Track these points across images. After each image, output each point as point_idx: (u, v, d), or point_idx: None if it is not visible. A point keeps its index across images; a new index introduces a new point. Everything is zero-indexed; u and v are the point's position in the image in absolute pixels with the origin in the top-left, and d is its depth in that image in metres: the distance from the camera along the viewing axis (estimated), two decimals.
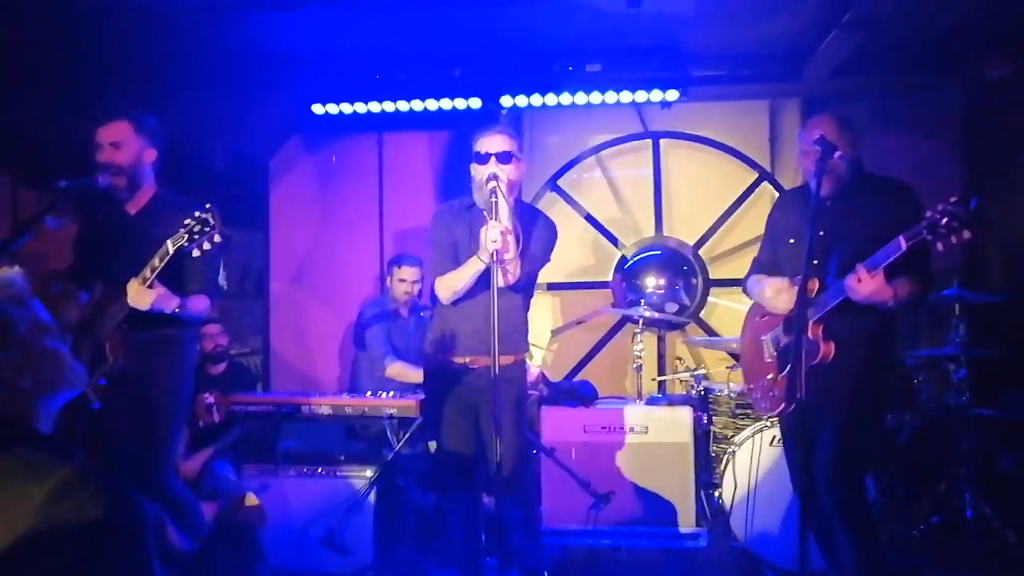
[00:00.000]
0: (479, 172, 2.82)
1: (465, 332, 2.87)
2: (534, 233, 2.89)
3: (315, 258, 5.20)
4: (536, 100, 4.45)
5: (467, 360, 2.87)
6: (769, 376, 2.77)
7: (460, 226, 2.93)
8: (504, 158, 2.79)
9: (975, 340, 3.73)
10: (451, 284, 2.86)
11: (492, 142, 2.81)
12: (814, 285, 2.62)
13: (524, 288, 2.93)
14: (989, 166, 4.50)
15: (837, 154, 2.56)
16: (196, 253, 2.67)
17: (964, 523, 3.56)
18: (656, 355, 4.85)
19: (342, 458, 3.49)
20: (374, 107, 4.57)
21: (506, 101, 4.47)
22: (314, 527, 3.29)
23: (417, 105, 4.54)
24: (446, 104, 4.52)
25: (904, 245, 2.39)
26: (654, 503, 3.69)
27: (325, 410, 3.45)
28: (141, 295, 2.66)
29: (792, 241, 2.77)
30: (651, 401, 3.94)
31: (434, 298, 2.99)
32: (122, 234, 2.85)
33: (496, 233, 2.61)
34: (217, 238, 2.65)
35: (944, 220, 2.32)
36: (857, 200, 2.66)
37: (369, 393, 3.60)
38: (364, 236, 5.12)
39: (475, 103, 4.51)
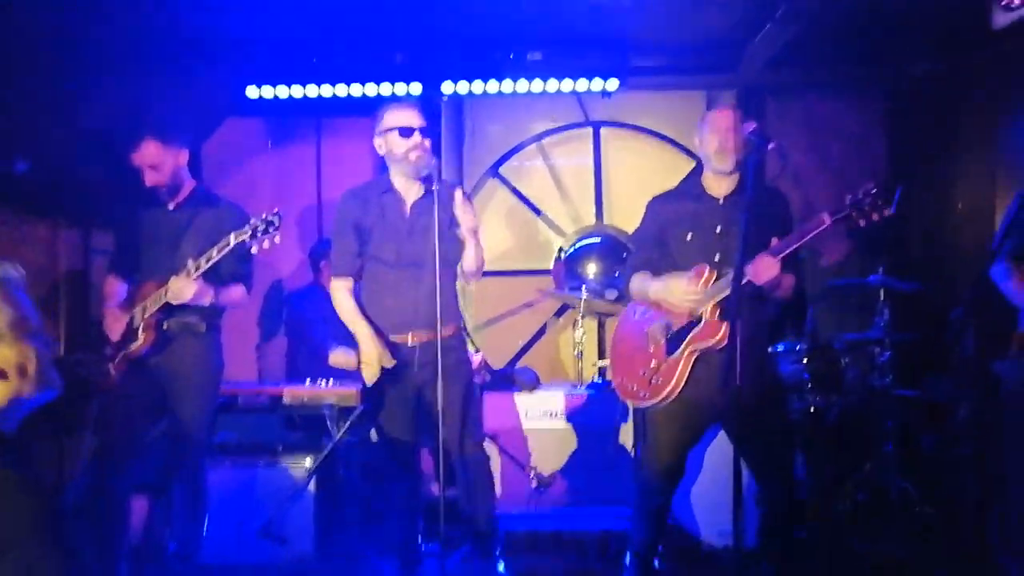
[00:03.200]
0: (401, 145, 2.82)
1: (398, 308, 2.86)
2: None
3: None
4: (477, 87, 4.43)
5: (405, 338, 2.86)
6: (652, 363, 2.82)
7: (372, 211, 2.91)
8: (425, 132, 2.85)
9: (899, 324, 3.89)
10: (339, 304, 2.95)
11: (410, 116, 2.87)
12: (712, 275, 2.74)
13: (453, 262, 2.94)
14: (915, 159, 4.69)
15: (771, 146, 2.63)
16: (254, 250, 2.85)
17: (888, 500, 3.73)
18: (597, 341, 4.91)
19: (280, 448, 3.42)
20: (312, 91, 4.47)
21: (447, 87, 4.43)
22: (252, 518, 3.23)
23: (356, 90, 4.46)
24: (386, 89, 4.45)
25: (828, 221, 2.54)
26: (595, 486, 3.74)
27: (262, 400, 3.39)
28: (185, 287, 2.84)
29: (689, 237, 2.83)
30: (592, 386, 3.99)
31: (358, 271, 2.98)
32: (160, 228, 3.04)
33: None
34: (277, 239, 2.84)
35: (868, 200, 2.47)
36: (742, 199, 2.74)
37: (308, 381, 3.54)
38: (302, 222, 5.02)
39: (416, 89, 4.45)
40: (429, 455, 3.37)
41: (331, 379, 3.54)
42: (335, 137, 5.04)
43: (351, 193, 3.00)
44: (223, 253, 2.85)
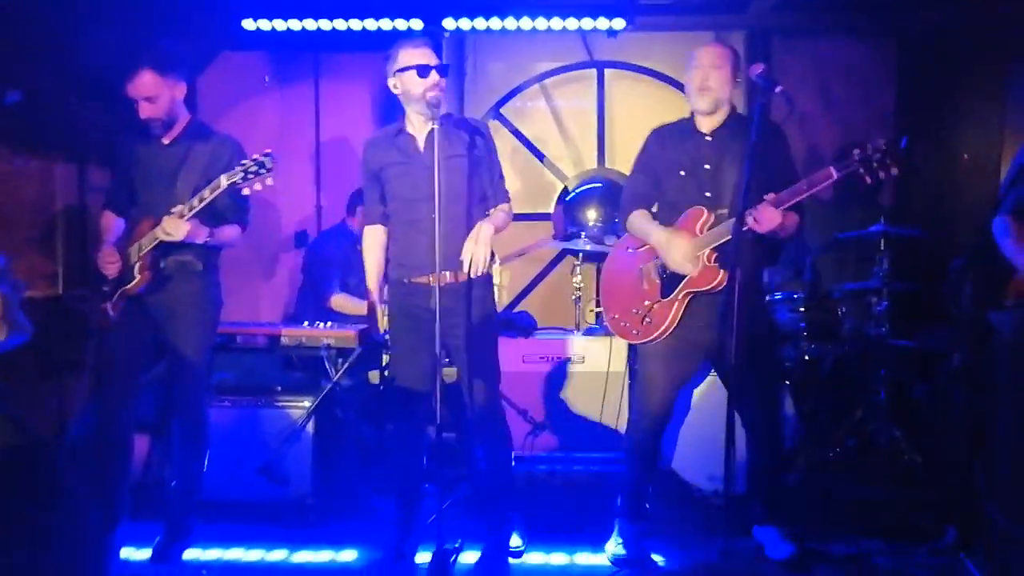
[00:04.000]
0: (418, 85, 2.77)
1: (419, 249, 2.82)
2: (481, 143, 2.91)
3: None
4: (480, 24, 4.32)
5: (426, 279, 2.81)
6: (646, 303, 2.84)
7: (389, 156, 2.90)
8: (441, 70, 2.78)
9: (897, 274, 3.89)
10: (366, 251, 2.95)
11: (426, 54, 2.81)
12: (710, 217, 2.73)
13: (482, 200, 2.91)
14: (921, 108, 4.61)
15: (778, 89, 2.58)
16: (246, 192, 2.81)
17: (877, 446, 3.79)
18: (595, 287, 4.91)
19: (279, 389, 3.46)
20: (309, 24, 4.36)
21: (449, 24, 4.32)
22: (251, 457, 3.28)
23: (356, 24, 4.34)
24: (386, 24, 4.34)
25: (835, 174, 2.51)
26: (589, 430, 3.80)
27: (261, 340, 3.40)
28: (178, 227, 2.81)
29: (683, 174, 2.83)
30: (589, 332, 4.01)
31: (385, 217, 2.97)
32: (155, 163, 2.98)
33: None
34: (270, 181, 2.78)
35: (877, 155, 2.43)
36: (739, 136, 2.73)
37: (306, 323, 3.55)
38: (299, 161, 4.95)
39: (417, 25, 4.34)
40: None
41: (330, 322, 3.56)
42: (334, 74, 4.93)
43: (369, 142, 2.98)
44: (215, 194, 2.80)
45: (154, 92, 2.89)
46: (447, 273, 2.79)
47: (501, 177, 2.99)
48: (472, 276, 2.79)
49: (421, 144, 2.88)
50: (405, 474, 3.01)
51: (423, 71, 2.76)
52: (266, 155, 2.78)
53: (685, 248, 2.74)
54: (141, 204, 2.99)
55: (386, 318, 2.95)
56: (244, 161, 2.79)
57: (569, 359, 3.86)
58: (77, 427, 3.40)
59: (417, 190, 2.83)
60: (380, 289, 2.99)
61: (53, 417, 3.41)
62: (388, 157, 2.91)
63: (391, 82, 2.88)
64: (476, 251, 2.76)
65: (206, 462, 3.06)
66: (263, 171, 2.77)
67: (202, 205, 2.82)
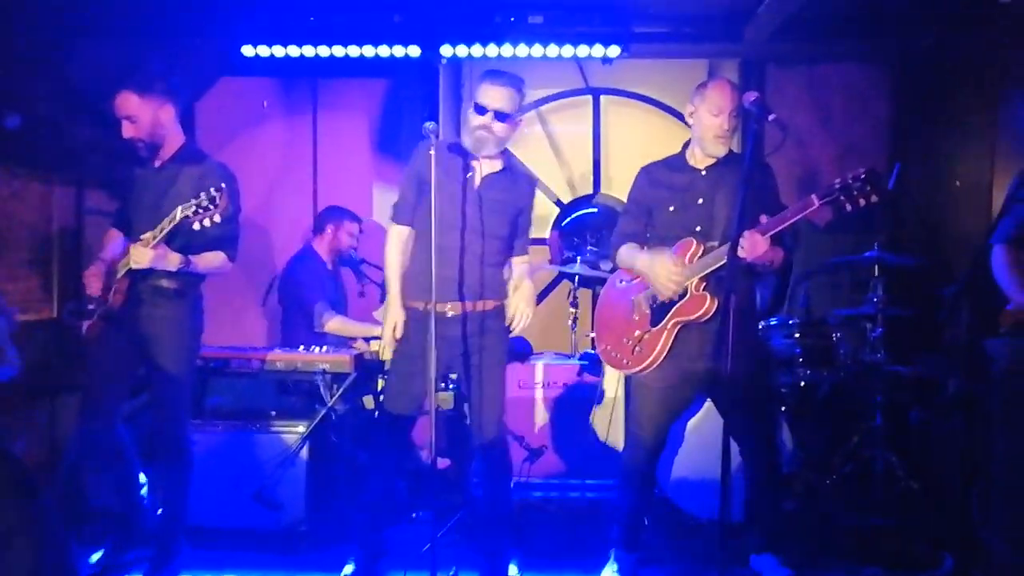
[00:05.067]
0: (474, 120, 2.80)
1: (445, 276, 2.76)
2: (528, 193, 2.97)
3: (244, 207, 5.00)
4: (477, 51, 4.36)
5: (444, 308, 2.77)
6: (636, 333, 2.84)
7: (436, 169, 2.83)
8: (502, 117, 2.78)
9: (892, 300, 3.91)
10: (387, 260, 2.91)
11: (495, 96, 2.80)
12: (699, 248, 2.75)
13: (506, 236, 2.91)
14: (916, 133, 4.66)
15: (771, 117, 2.61)
16: (196, 227, 2.76)
17: (873, 473, 3.78)
18: (591, 311, 4.91)
19: (273, 413, 3.44)
20: (308, 51, 4.40)
21: (446, 51, 4.36)
22: (244, 483, 3.25)
23: (353, 51, 4.39)
24: (384, 51, 4.39)
25: (817, 203, 2.54)
26: (585, 456, 3.78)
27: (256, 365, 3.39)
28: (140, 254, 2.80)
29: (672, 209, 2.85)
30: (585, 357, 4.00)
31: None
32: (146, 187, 2.98)
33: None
34: (217, 218, 2.75)
35: (857, 184, 2.47)
36: (734, 172, 2.74)
37: (302, 347, 3.54)
38: (297, 184, 4.97)
39: (414, 51, 4.38)
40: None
41: (324, 346, 3.55)
42: (331, 100, 4.96)
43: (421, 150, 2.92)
44: (172, 225, 2.78)
45: (135, 112, 2.88)
46: (460, 303, 2.80)
47: (528, 229, 3.03)
48: (515, 330, 2.88)
49: (477, 180, 2.87)
50: (371, 506, 2.96)
51: (480, 109, 2.79)
52: (219, 190, 2.74)
53: (669, 267, 2.74)
54: (134, 227, 2.99)
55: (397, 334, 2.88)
56: (199, 195, 2.76)
57: (565, 384, 3.85)
58: (72, 450, 3.38)
59: (448, 221, 2.79)
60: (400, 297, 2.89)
61: (46, 441, 3.39)
62: (435, 172, 2.79)
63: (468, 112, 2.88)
64: (526, 311, 2.85)
65: (189, 486, 3.01)
66: (211, 208, 2.74)
67: (162, 235, 2.80)
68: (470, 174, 2.85)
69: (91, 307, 2.98)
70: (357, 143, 4.92)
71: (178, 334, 2.97)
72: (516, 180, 2.94)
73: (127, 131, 2.91)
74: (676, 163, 2.92)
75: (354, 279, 4.40)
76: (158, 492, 3.13)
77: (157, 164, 2.99)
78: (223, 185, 2.75)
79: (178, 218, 2.77)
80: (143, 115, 2.89)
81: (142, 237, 2.83)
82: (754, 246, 2.59)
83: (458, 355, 2.82)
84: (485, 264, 2.82)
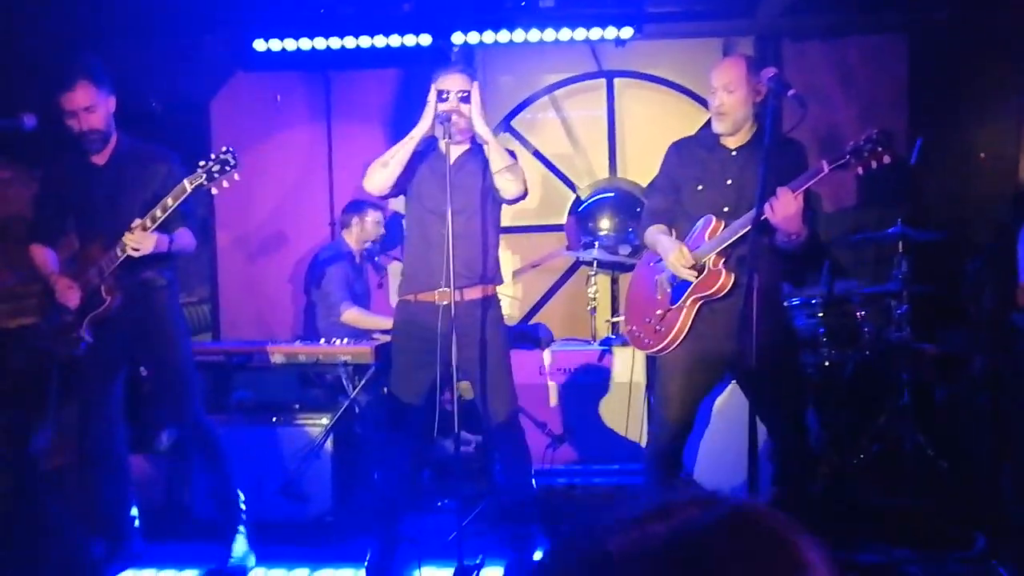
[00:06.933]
0: (440, 107, 2.80)
1: (433, 264, 2.79)
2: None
3: (262, 201, 5.05)
4: (488, 37, 4.33)
5: (432, 296, 2.80)
6: (658, 312, 2.81)
7: (421, 159, 2.92)
8: (466, 98, 2.80)
9: (916, 277, 3.84)
10: (383, 158, 2.85)
11: (451, 80, 2.83)
12: (719, 225, 2.69)
13: (485, 212, 2.90)
14: (935, 107, 4.57)
15: (790, 93, 2.55)
16: (215, 191, 2.73)
17: (902, 452, 3.73)
18: (610, 297, 4.89)
19: (297, 406, 3.46)
20: (319, 43, 4.39)
21: (457, 38, 4.33)
22: (270, 477, 3.28)
23: (365, 42, 4.37)
24: (395, 41, 4.37)
25: (826, 168, 2.48)
26: (608, 441, 3.77)
27: (278, 359, 3.40)
28: (144, 239, 2.73)
29: (700, 188, 2.79)
30: (605, 342, 3.99)
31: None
32: (92, 186, 2.89)
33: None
34: (236, 176, 2.71)
35: (868, 145, 2.42)
36: (757, 150, 2.67)
37: (323, 340, 3.56)
38: (313, 178, 4.98)
39: (425, 40, 4.36)
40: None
41: (345, 338, 3.56)
42: (345, 93, 4.96)
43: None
44: (180, 200, 2.71)
45: (92, 102, 2.80)
46: (450, 291, 2.76)
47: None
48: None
49: (445, 160, 2.86)
50: (385, 494, 2.98)
51: (441, 95, 2.82)
52: (227, 152, 2.70)
53: (673, 255, 2.69)
54: (82, 230, 2.90)
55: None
56: (204, 162, 2.71)
57: (586, 370, 3.84)
58: (43, 459, 3.34)
59: (430, 208, 2.85)
60: None
61: (61, 438, 3.38)
62: (420, 162, 2.91)
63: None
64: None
65: (228, 466, 3.01)
66: (228, 168, 2.69)
67: (167, 213, 2.73)
68: (440, 160, 2.86)
69: (69, 319, 2.85)
70: (371, 134, 4.91)
71: (174, 323, 2.97)
72: (476, 155, 2.93)
73: (85, 122, 2.80)
74: (708, 141, 2.85)
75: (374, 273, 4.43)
76: (203, 486, 3.15)
77: (100, 161, 2.90)
78: (225, 147, 2.72)
79: (189, 189, 2.70)
80: (101, 105, 2.82)
81: (133, 225, 2.72)
82: (786, 204, 2.47)
83: (459, 345, 2.79)
84: (473, 244, 2.81)
